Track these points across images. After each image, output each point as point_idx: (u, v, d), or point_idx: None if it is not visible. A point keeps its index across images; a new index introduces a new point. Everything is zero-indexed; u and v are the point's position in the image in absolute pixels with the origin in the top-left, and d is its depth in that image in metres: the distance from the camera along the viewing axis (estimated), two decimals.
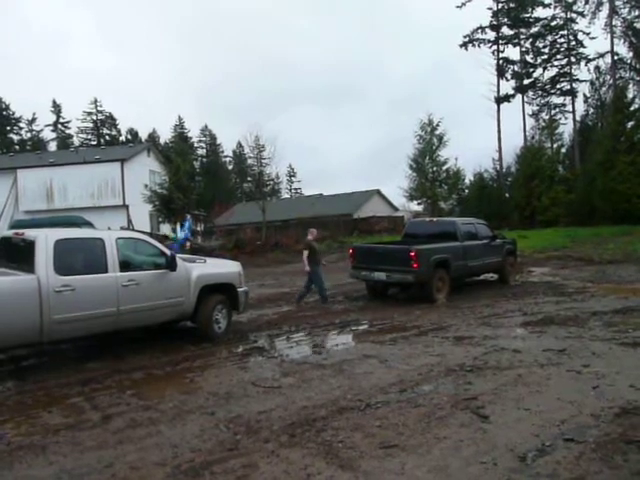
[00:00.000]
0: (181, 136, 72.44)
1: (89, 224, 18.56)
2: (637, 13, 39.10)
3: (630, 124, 34.58)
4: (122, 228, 24.63)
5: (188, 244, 25.89)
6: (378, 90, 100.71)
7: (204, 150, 76.51)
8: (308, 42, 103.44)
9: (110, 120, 70.60)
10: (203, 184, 62.22)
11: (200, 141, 76.31)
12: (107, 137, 69.55)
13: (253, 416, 4.64)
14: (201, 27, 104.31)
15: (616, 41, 40.11)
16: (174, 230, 28.68)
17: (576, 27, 42.32)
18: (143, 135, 69.40)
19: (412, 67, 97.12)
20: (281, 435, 4.20)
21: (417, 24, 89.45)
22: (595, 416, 4.40)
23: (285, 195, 74.64)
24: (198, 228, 35.36)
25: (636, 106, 37.12)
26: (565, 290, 12.29)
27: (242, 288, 8.48)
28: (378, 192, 48.36)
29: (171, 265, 7.28)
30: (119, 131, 71.21)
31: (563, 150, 42.27)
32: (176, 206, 27.16)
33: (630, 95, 37.26)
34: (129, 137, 68.88)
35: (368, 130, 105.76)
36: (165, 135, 72.23)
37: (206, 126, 75.59)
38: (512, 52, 44.42)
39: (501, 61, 43.77)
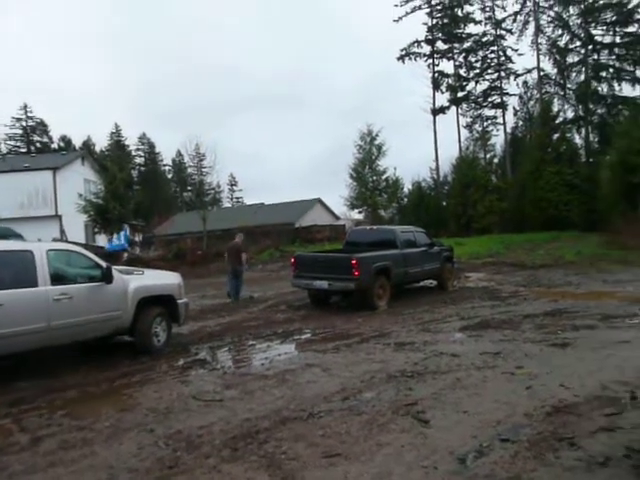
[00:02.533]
0: (118, 144, 70.19)
1: (18, 236, 17.60)
2: (560, 32, 41.45)
3: (555, 136, 36.57)
4: (54, 240, 23.53)
5: (125, 255, 25.13)
6: (322, 99, 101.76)
7: (142, 159, 74.44)
8: (252, 50, 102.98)
9: (41, 127, 67.35)
10: (141, 193, 60.45)
11: (138, 149, 74.22)
12: (38, 144, 66.31)
13: (194, 431, 4.52)
14: (140, 31, 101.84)
15: (542, 58, 42.33)
16: (110, 240, 27.76)
17: (505, 43, 44.33)
18: (77, 142, 66.67)
19: (356, 77, 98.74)
20: (223, 449, 4.12)
21: (361, 35, 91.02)
22: (528, 415, 4.58)
23: (226, 204, 73.80)
24: (136, 238, 34.36)
25: (561, 119, 39.39)
26: (500, 294, 12.79)
27: (182, 300, 8.28)
28: (319, 201, 48.66)
29: (107, 277, 7.01)
30: (51, 138, 68.02)
31: (495, 160, 44.12)
32: (112, 216, 26.30)
33: (555, 109, 39.49)
34: (62, 145, 65.92)
35: (312, 139, 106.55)
36: (101, 143, 69.80)
37: (144, 134, 73.69)
38: (447, 66, 45.99)
39: (436, 74, 45.22)
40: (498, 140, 45.93)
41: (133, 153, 73.12)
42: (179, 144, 69.37)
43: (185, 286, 8.66)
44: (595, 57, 40.27)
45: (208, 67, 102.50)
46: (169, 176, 77.00)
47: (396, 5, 44.31)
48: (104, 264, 7.17)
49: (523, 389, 5.32)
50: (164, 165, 76.30)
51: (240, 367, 6.94)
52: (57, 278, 6.56)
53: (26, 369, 6.69)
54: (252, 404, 5.21)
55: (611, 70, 39.93)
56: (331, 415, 4.79)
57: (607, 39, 39.84)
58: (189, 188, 70.52)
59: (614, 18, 38.95)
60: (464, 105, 46.00)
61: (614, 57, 39.95)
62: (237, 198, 76.94)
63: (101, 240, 29.92)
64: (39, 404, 5.47)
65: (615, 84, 39.80)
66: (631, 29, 38.54)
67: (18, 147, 65.18)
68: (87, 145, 64.90)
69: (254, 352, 7.84)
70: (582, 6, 39.46)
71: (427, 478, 3.52)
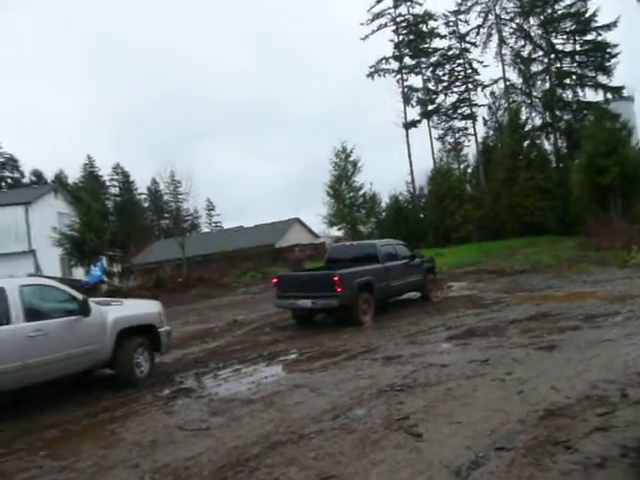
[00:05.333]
0: (91, 175, 69.44)
1: None
2: (522, 43, 42.60)
3: (526, 143, 37.33)
4: (29, 275, 23.01)
5: (104, 287, 24.69)
6: (297, 119, 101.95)
7: (117, 188, 73.70)
8: (223, 76, 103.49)
9: (11, 162, 66.36)
10: (117, 223, 59.77)
11: (112, 179, 73.45)
12: (9, 180, 65.28)
13: (181, 463, 4.36)
14: (110, 62, 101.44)
15: (507, 68, 43.40)
16: (88, 272, 27.25)
17: (471, 56, 45.41)
18: (49, 176, 65.71)
19: (328, 96, 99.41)
20: None
21: (336, 52, 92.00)
22: (522, 421, 4.52)
23: (205, 229, 73.29)
24: (115, 269, 33.80)
25: (529, 127, 40.25)
26: (483, 302, 12.82)
27: (164, 328, 8.09)
28: (298, 220, 48.71)
29: (84, 310, 6.81)
30: (22, 173, 66.96)
31: (469, 170, 44.76)
32: (88, 248, 25.81)
33: (523, 117, 40.36)
34: (34, 179, 65.00)
35: (287, 159, 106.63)
36: (74, 175, 68.79)
37: (118, 164, 72.95)
38: (415, 80, 46.80)
39: (406, 89, 45.97)
40: (470, 150, 46.68)
41: (107, 183, 72.36)
42: (154, 172, 68.89)
43: (167, 314, 8.48)
44: (558, 65, 41.43)
45: (178, 96, 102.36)
46: (145, 205, 76.30)
47: (362, 24, 45.25)
48: (80, 297, 6.97)
49: (514, 395, 5.28)
50: (140, 194, 75.60)
51: (226, 393, 6.77)
52: (31, 314, 6.32)
53: (1, 409, 6.42)
54: (240, 430, 5.06)
55: (574, 77, 41.09)
56: (322, 435, 4.67)
57: (568, 47, 41.14)
58: (166, 215, 69.88)
59: (573, 27, 40.25)
60: (435, 118, 46.79)
61: (576, 64, 41.15)
62: (215, 223, 76.56)
63: (78, 273, 29.35)
64: (17, 446, 5.23)
65: (579, 90, 40.98)
66: (590, 37, 39.82)
67: None
68: (59, 178, 64.05)
69: (240, 376, 7.66)
70: (542, 17, 40.69)
71: None
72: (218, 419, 5.54)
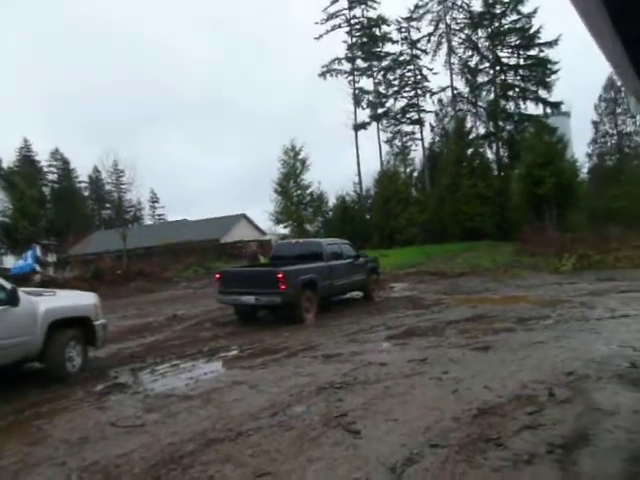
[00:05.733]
0: (27, 160, 65.99)
1: None
2: (470, 53, 43.99)
3: (470, 151, 38.57)
4: None
5: (37, 277, 23.58)
6: (250, 115, 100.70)
7: (55, 175, 70.38)
8: (173, 64, 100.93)
9: None
10: (54, 212, 57.15)
11: (50, 165, 69.97)
12: None
13: (111, 461, 4.20)
14: (51, 38, 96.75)
15: (455, 77, 44.76)
16: (20, 262, 25.98)
17: (421, 63, 46.48)
18: None
19: (280, 93, 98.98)
20: (143, 479, 3.84)
21: (289, 50, 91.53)
22: (456, 419, 4.64)
23: (148, 222, 71.33)
24: (50, 259, 32.36)
25: (474, 135, 41.60)
26: (423, 303, 13.12)
27: (99, 321, 7.78)
28: (245, 216, 48.25)
29: (12, 300, 6.43)
30: None
31: (415, 174, 45.77)
32: (21, 235, 24.62)
33: (468, 125, 41.67)
34: None
35: (235, 154, 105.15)
36: (8, 159, 65.31)
37: (57, 149, 69.62)
38: (367, 83, 47.38)
39: (357, 91, 46.45)
40: (417, 155, 47.82)
41: (45, 169, 68.98)
42: (96, 160, 66.22)
43: (104, 307, 8.17)
44: (502, 77, 43.02)
45: (125, 79, 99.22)
46: (86, 193, 73.22)
47: (317, 23, 45.37)
48: (8, 285, 6.60)
49: (450, 394, 5.42)
50: (80, 182, 72.38)
51: (163, 389, 6.59)
52: None
53: None
54: (176, 427, 4.94)
55: (517, 90, 42.79)
56: (260, 433, 4.63)
57: (512, 61, 42.76)
58: (108, 205, 67.60)
59: (518, 42, 41.89)
60: (384, 121, 47.53)
61: (519, 78, 42.86)
62: (159, 215, 74.61)
63: (8, 262, 27.91)
64: None
65: (521, 103, 42.72)
66: (533, 52, 41.55)
67: None
68: None
69: (178, 372, 7.48)
70: (489, 29, 42.15)
71: None
72: (153, 415, 5.38)
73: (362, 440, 4.31)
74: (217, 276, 11.91)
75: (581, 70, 64.89)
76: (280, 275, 10.51)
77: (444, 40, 44.37)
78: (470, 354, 7.25)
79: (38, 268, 25.39)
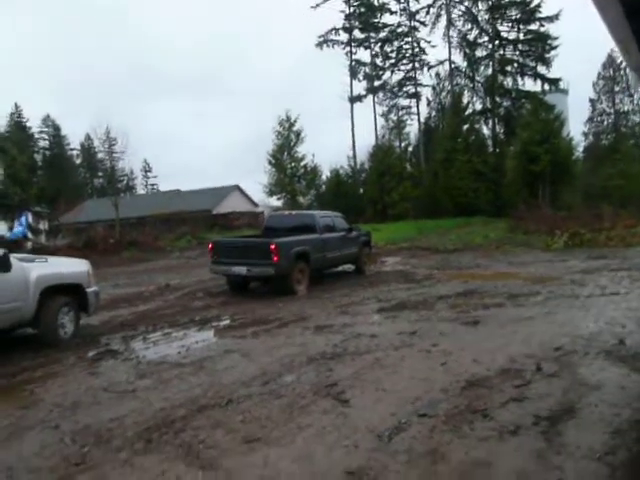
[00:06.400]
0: (18, 126, 64.84)
1: None
2: (470, 26, 43.30)
3: (465, 127, 38.34)
4: None
5: (29, 244, 23.44)
6: (242, 84, 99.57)
7: (47, 142, 69.29)
8: (170, 31, 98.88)
9: None
10: (46, 179, 56.46)
11: (42, 132, 68.86)
12: None
13: (104, 425, 4.24)
14: (46, 4, 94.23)
15: (453, 50, 44.15)
16: (11, 228, 25.82)
17: (419, 35, 45.74)
18: None
19: (276, 63, 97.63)
20: (136, 442, 3.89)
21: (284, 19, 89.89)
22: (444, 390, 4.71)
23: (141, 191, 70.81)
24: (41, 226, 32.13)
25: (470, 111, 41.30)
26: (415, 277, 13.18)
27: (92, 288, 7.78)
28: (238, 188, 48.00)
29: (3, 265, 6.40)
30: None
31: (410, 149, 45.59)
32: (12, 202, 24.39)
33: (465, 100, 41.33)
34: None
35: (230, 125, 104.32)
36: None
37: (48, 116, 68.38)
38: (364, 55, 46.68)
39: (354, 62, 45.80)
40: (412, 129, 47.48)
41: (36, 136, 67.92)
42: (88, 127, 65.15)
43: (96, 275, 8.15)
44: (501, 52, 42.48)
45: (121, 48, 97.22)
46: (78, 161, 72.28)
47: None
48: (0, 251, 6.55)
49: (439, 366, 5.48)
50: (71, 149, 71.38)
51: (155, 356, 6.63)
52: None
53: None
54: (168, 393, 4.98)
55: (515, 65, 42.34)
56: (251, 400, 4.68)
57: (512, 35, 42.19)
58: (100, 174, 66.84)
59: (518, 15, 41.25)
60: (380, 94, 46.99)
61: (518, 53, 42.36)
62: (152, 185, 74.07)
63: (0, 228, 27.68)
64: None
65: (519, 78, 42.33)
66: (533, 27, 41.00)
67: None
68: None
69: (170, 340, 7.52)
70: (490, 2, 41.42)
71: (348, 457, 3.51)
72: (145, 382, 5.42)
73: (351, 409, 4.37)
74: (210, 246, 11.90)
75: (580, 47, 64.37)
76: (273, 246, 10.50)
77: (443, 12, 43.63)
78: (460, 328, 7.32)
79: (30, 235, 25.25)
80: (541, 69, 41.08)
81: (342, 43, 45.59)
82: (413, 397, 4.56)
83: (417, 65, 46.34)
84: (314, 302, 10.12)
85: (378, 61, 46.64)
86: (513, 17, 41.54)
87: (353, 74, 45.60)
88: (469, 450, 3.53)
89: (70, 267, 7.88)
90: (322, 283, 12.46)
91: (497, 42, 42.03)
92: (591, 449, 3.46)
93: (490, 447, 3.58)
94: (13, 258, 6.64)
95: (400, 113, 47.85)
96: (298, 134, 39.47)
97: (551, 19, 39.60)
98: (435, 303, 9.37)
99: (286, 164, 39.40)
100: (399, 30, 45.79)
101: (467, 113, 39.89)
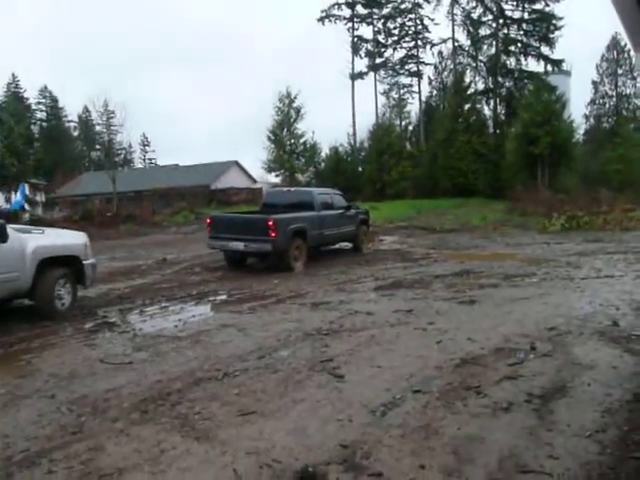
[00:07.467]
0: (15, 96, 64.03)
1: None
2: (474, 4, 42.64)
3: (467, 107, 37.99)
4: None
5: (26, 215, 23.39)
6: (243, 59, 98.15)
7: (44, 113, 68.49)
8: (172, 5, 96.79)
9: None
10: (43, 150, 55.94)
11: (39, 103, 68.05)
12: None
13: (100, 395, 4.28)
14: None
15: (456, 29, 43.60)
16: (8, 200, 25.71)
17: (422, 12, 45.08)
18: None
19: (277, 38, 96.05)
20: (132, 412, 3.92)
21: None
22: (439, 368, 4.75)
23: (138, 165, 70.36)
24: (37, 198, 31.98)
25: (472, 90, 40.90)
26: (412, 257, 13.22)
27: (89, 260, 7.76)
28: (236, 163, 47.74)
29: (0, 235, 6.37)
30: None
31: (410, 128, 45.28)
32: (9, 173, 24.23)
33: (467, 80, 40.90)
34: None
35: (230, 100, 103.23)
36: None
37: (45, 87, 67.47)
38: (366, 31, 46.01)
39: (356, 39, 45.17)
40: (413, 108, 47.11)
41: (33, 107, 67.14)
42: (86, 99, 64.53)
43: (93, 248, 8.12)
44: (505, 31, 41.92)
45: (119, 18, 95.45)
46: (75, 133, 71.56)
47: None
48: None
49: (434, 344, 5.52)
50: (69, 121, 70.66)
51: (151, 329, 6.66)
52: None
53: None
54: (164, 366, 5.02)
55: (519, 45, 41.83)
56: (246, 374, 4.72)
57: (516, 14, 41.59)
58: (98, 147, 66.16)
59: None
60: (382, 72, 46.53)
61: (522, 32, 41.83)
62: (150, 159, 73.60)
63: None
64: None
65: (522, 59, 41.87)
66: (538, 6, 40.41)
67: None
68: None
69: (167, 314, 7.55)
70: None
71: (342, 431, 3.55)
72: (142, 354, 5.45)
73: (346, 384, 4.41)
74: (208, 221, 11.88)
75: (584, 28, 63.40)
76: (271, 222, 10.49)
77: None
78: (456, 307, 7.36)
79: (27, 207, 25.17)
80: (545, 50, 40.71)
81: (344, 18, 45.00)
82: (408, 374, 4.60)
83: (420, 43, 45.89)
84: (311, 279, 10.15)
85: (380, 38, 46.14)
86: None
87: (355, 51, 45.07)
88: (462, 426, 3.58)
89: (67, 239, 7.86)
90: (319, 260, 12.48)
91: (501, 21, 41.47)
92: (582, 427, 3.51)
93: (482, 423, 3.62)
94: (10, 229, 6.62)
95: (401, 91, 47.55)
96: (298, 110, 39.14)
97: None
98: (431, 282, 9.41)
99: (285, 140, 39.12)
100: (402, 7, 45.19)
101: (469, 93, 39.50)
